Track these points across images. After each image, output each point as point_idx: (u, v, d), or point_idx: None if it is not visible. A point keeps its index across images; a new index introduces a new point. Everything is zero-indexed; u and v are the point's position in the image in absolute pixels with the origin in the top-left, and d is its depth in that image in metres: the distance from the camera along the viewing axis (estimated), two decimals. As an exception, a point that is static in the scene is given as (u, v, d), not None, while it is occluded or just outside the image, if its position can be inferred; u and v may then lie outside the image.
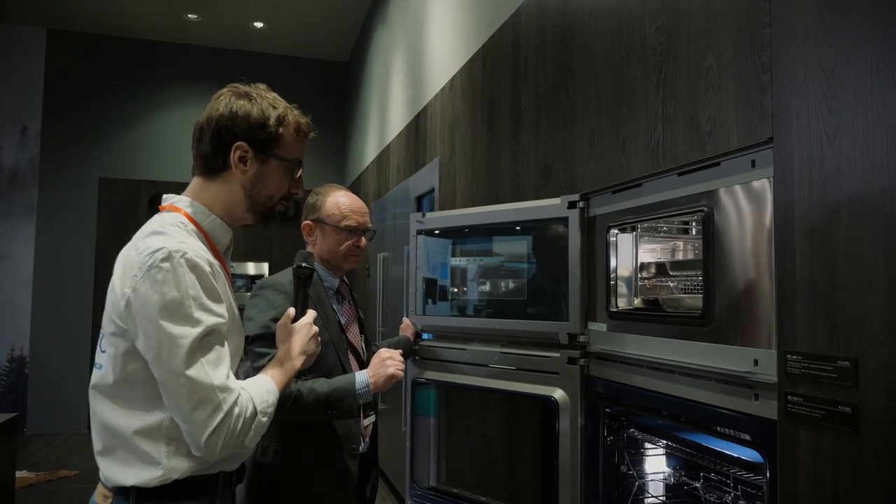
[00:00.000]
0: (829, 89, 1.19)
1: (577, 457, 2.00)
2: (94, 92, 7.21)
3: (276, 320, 1.73)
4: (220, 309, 1.22)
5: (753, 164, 1.39)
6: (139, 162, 7.29)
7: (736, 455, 1.60)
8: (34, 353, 6.77)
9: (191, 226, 1.30)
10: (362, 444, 2.00)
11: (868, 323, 1.10)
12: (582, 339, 2.00)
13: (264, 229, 7.46)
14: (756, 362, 1.36)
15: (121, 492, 1.24)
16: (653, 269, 1.93)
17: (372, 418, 2.04)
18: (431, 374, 2.47)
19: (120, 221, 7.10)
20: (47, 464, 5.57)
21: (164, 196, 1.40)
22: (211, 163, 1.33)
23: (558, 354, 2.05)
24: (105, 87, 7.26)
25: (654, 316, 1.77)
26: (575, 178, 2.15)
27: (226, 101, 1.33)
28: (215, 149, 1.32)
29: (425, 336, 2.59)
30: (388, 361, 1.88)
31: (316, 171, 7.61)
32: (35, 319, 6.81)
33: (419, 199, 4.24)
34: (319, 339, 1.50)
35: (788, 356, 1.26)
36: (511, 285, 2.32)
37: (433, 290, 2.59)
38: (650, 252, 2.00)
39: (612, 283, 1.90)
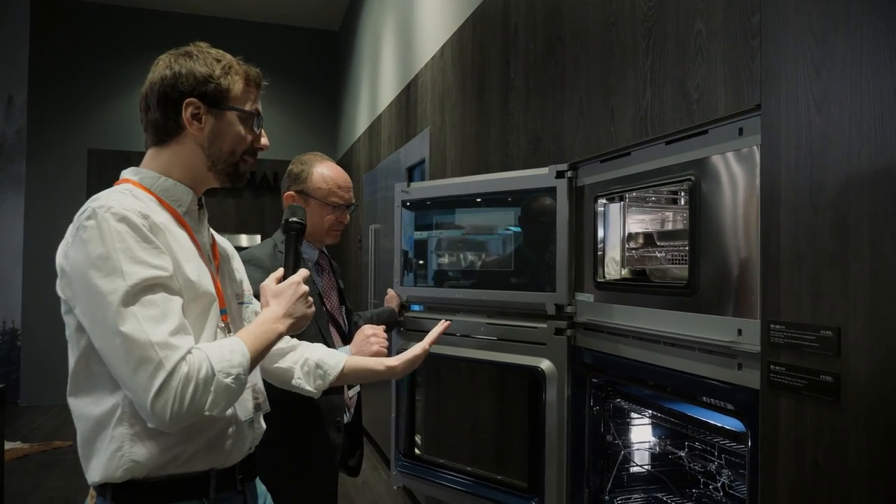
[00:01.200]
0: (819, 53, 1.16)
1: (563, 427, 2.00)
2: (81, 61, 7.09)
3: (256, 296, 1.70)
4: (160, 262, 1.12)
5: (741, 131, 1.36)
6: (129, 132, 7.19)
7: (720, 424, 1.60)
8: (26, 326, 6.75)
9: (138, 191, 1.23)
10: (346, 415, 2.00)
11: (852, 292, 1.09)
12: (569, 309, 2.00)
13: (255, 201, 7.42)
14: (740, 332, 1.35)
15: (101, 491, 1.18)
16: (641, 240, 1.92)
17: (356, 389, 2.04)
18: (417, 346, 2.47)
19: (110, 193, 7.04)
20: (41, 435, 5.60)
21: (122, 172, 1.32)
22: (163, 128, 1.26)
23: (545, 325, 2.04)
24: (92, 55, 7.14)
25: (640, 286, 1.76)
26: (564, 148, 2.12)
27: (165, 63, 1.27)
28: (165, 112, 1.25)
29: (415, 307, 2.58)
30: (372, 339, 1.86)
31: (308, 142, 7.55)
32: (26, 292, 6.77)
33: (410, 170, 4.21)
34: (311, 300, 1.36)
35: (772, 326, 1.25)
36: (498, 256, 2.31)
37: (419, 262, 2.58)
38: (639, 222, 1.98)
39: (599, 253, 1.89)
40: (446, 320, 1.76)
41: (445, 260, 2.51)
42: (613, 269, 1.90)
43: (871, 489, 1.05)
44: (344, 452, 2.01)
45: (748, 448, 1.34)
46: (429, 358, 2.46)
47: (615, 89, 1.83)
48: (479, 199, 2.34)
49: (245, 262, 1.80)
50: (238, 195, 7.41)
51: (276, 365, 1.56)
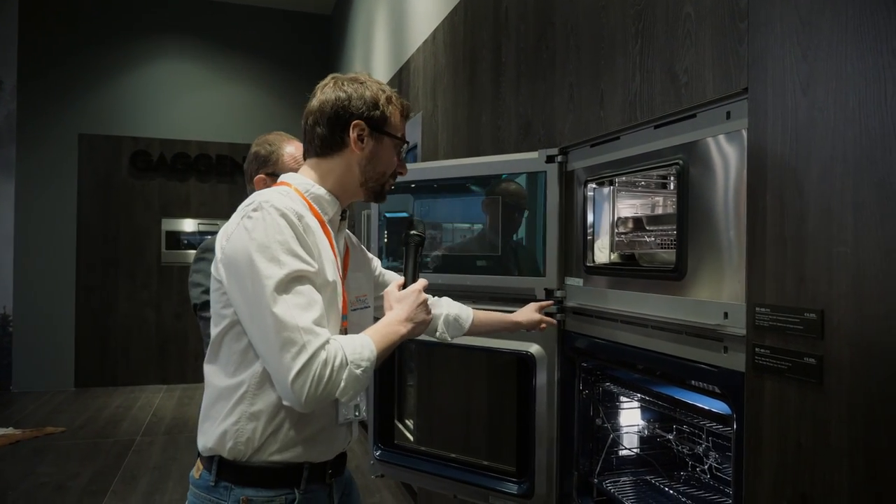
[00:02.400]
0: (805, 36, 1.16)
1: (552, 411, 2.01)
2: (71, 45, 7.01)
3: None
4: (310, 258, 1.25)
5: (728, 115, 1.37)
6: (120, 117, 7.14)
7: (707, 407, 1.61)
8: (18, 312, 6.73)
9: (294, 193, 1.35)
10: None
11: (835, 276, 1.10)
12: (558, 294, 2.00)
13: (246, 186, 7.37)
14: (726, 315, 1.36)
15: (207, 464, 1.31)
16: (630, 224, 1.93)
17: None
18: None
19: (101, 178, 7.00)
20: (33, 421, 5.59)
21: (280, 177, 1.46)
22: (328, 143, 1.39)
23: (535, 310, 2.05)
24: (83, 39, 7.06)
25: (628, 270, 1.77)
26: (554, 132, 2.12)
27: (336, 85, 1.40)
28: (333, 129, 1.38)
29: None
30: None
31: (300, 127, 7.50)
32: (18, 278, 6.74)
33: (402, 155, 4.19)
34: (429, 307, 1.45)
35: (757, 309, 1.26)
36: (485, 241, 2.30)
37: (399, 246, 2.53)
38: (629, 207, 1.99)
39: (588, 237, 1.89)
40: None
41: (428, 245, 2.46)
42: (603, 253, 1.91)
43: (852, 469, 1.07)
44: None
45: (734, 430, 1.35)
46: (416, 345, 2.46)
47: (605, 74, 1.82)
48: (465, 184, 2.32)
49: (210, 249, 1.80)
50: (231, 181, 7.38)
51: None
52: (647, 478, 2.00)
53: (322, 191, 1.38)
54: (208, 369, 1.35)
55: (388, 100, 1.41)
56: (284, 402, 1.23)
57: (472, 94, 2.89)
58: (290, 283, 1.19)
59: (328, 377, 1.18)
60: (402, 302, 1.39)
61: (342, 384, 1.20)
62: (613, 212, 1.91)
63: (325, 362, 1.17)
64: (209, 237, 1.97)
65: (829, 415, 1.11)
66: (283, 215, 1.23)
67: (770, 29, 1.24)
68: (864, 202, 1.05)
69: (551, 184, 2.00)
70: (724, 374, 1.38)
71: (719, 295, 1.39)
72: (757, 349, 1.26)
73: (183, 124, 7.31)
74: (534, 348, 2.04)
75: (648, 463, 2.02)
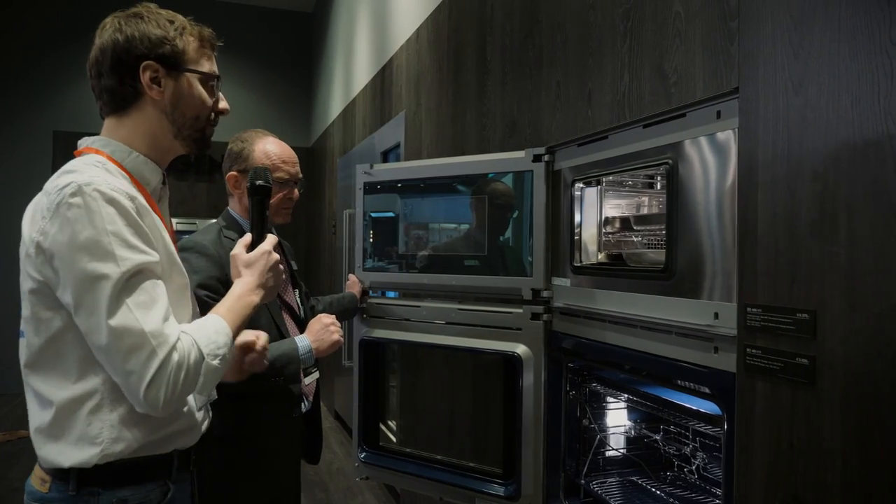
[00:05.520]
0: (797, 35, 1.15)
1: (539, 412, 2.00)
2: (47, 40, 6.88)
3: (202, 286, 1.64)
4: (149, 246, 1.11)
5: (719, 115, 1.36)
6: (96, 114, 6.90)
7: (696, 408, 1.61)
8: (-10, 313, 6.57)
9: (111, 165, 1.18)
10: (305, 403, 1.95)
11: (827, 275, 1.09)
12: (546, 294, 1.99)
13: (191, 187, 7.28)
14: (717, 315, 1.35)
15: (60, 475, 1.14)
16: (617, 224, 1.92)
17: (315, 375, 1.98)
18: (381, 333, 2.37)
19: (77, 177, 6.87)
20: (5, 424, 5.48)
21: (80, 141, 1.26)
22: (120, 95, 1.21)
23: (521, 310, 2.03)
24: (58, 33, 6.92)
25: (617, 270, 1.76)
26: (540, 132, 2.11)
27: (114, 25, 1.21)
28: (121, 77, 1.19)
29: (390, 294, 2.54)
30: (332, 327, 1.83)
31: (281, 126, 7.43)
32: (-11, 278, 6.59)
33: (385, 154, 4.16)
34: (282, 268, 1.34)
35: (748, 309, 1.25)
36: (470, 241, 2.27)
37: (384, 246, 2.50)
38: (616, 207, 1.98)
39: (576, 237, 1.88)
40: None
41: (413, 244, 2.43)
42: (590, 253, 1.90)
43: (845, 469, 1.06)
44: (305, 440, 1.98)
45: (724, 431, 1.34)
46: (394, 345, 2.42)
47: (593, 73, 1.81)
48: (451, 183, 2.30)
49: (188, 249, 1.73)
50: (209, 179, 7.29)
51: None
52: (634, 478, 2.00)
53: (141, 159, 1.22)
54: (36, 380, 1.14)
55: (181, 30, 1.23)
56: (138, 410, 1.10)
57: (457, 93, 2.87)
58: (130, 281, 1.05)
59: (184, 378, 1.07)
60: (251, 267, 1.28)
61: (200, 380, 1.11)
62: (601, 212, 1.90)
63: (180, 365, 1.07)
64: (185, 237, 1.91)
65: (821, 415, 1.10)
66: (112, 201, 1.06)
67: (761, 28, 1.23)
68: (856, 202, 1.05)
69: (538, 183, 1.98)
70: (714, 374, 1.37)
71: (709, 295, 1.38)
72: (748, 350, 1.25)
73: (161, 122, 7.19)
74: (520, 349, 2.02)
75: (635, 463, 2.01)
